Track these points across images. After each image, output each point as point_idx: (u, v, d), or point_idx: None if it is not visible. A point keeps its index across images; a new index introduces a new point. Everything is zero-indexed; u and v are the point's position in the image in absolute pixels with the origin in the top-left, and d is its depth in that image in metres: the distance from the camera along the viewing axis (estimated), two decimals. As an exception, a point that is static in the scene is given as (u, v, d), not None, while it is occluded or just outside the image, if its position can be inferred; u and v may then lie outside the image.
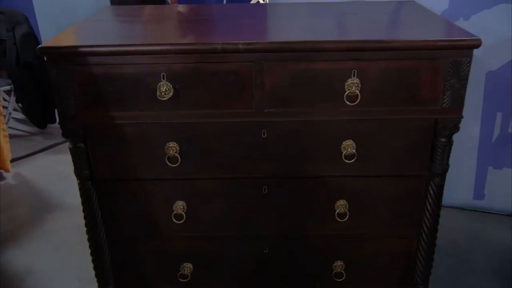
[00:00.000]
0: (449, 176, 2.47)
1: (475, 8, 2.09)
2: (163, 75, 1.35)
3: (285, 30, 1.59)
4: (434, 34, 1.44)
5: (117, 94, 1.38)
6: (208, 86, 1.37)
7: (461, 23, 2.13)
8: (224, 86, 1.37)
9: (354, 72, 1.34)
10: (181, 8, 1.96)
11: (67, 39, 1.45)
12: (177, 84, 1.36)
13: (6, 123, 3.32)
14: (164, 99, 1.36)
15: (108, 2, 3.15)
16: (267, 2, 2.71)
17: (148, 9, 1.97)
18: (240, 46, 1.31)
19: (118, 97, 1.39)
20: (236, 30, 1.56)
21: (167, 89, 1.36)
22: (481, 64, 2.18)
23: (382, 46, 1.30)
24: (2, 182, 2.96)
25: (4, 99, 3.52)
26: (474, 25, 2.11)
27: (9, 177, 3.03)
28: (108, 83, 1.37)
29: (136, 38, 1.55)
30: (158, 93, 1.36)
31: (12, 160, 3.11)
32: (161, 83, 1.35)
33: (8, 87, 3.41)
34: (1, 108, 2.97)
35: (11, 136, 3.30)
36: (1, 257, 2.21)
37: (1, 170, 2.98)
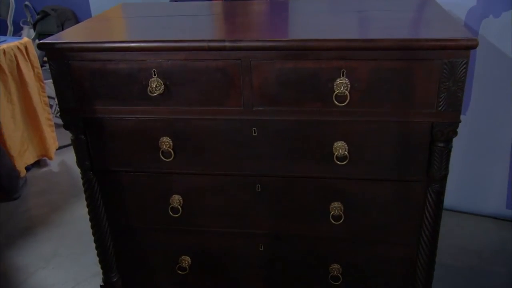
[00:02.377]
0: (481, 183, 2.35)
1: (506, 5, 1.94)
2: (154, 71, 1.38)
3: (289, 28, 1.57)
4: (432, 33, 1.36)
5: (113, 89, 1.43)
6: (197, 83, 1.39)
7: (491, 21, 2.00)
8: (213, 84, 1.38)
9: (343, 72, 1.30)
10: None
11: (75, 35, 1.53)
12: (168, 80, 1.39)
13: (54, 113, 3.52)
14: (154, 94, 1.39)
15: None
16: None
17: (168, 5, 2.02)
18: (226, 44, 1.31)
19: (114, 92, 1.44)
20: (243, 28, 1.56)
21: (157, 85, 1.39)
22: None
23: (369, 45, 1.25)
24: (45, 169, 3.15)
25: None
26: (505, 22, 1.97)
27: (52, 164, 3.21)
28: (104, 78, 1.42)
29: (141, 34, 1.59)
30: (149, 88, 1.39)
31: (59, 148, 3.30)
32: (152, 79, 1.39)
33: (56, 80, 3.61)
34: (47, 99, 3.17)
35: (58, 126, 3.49)
36: (30, 239, 2.36)
37: (45, 157, 3.17)
